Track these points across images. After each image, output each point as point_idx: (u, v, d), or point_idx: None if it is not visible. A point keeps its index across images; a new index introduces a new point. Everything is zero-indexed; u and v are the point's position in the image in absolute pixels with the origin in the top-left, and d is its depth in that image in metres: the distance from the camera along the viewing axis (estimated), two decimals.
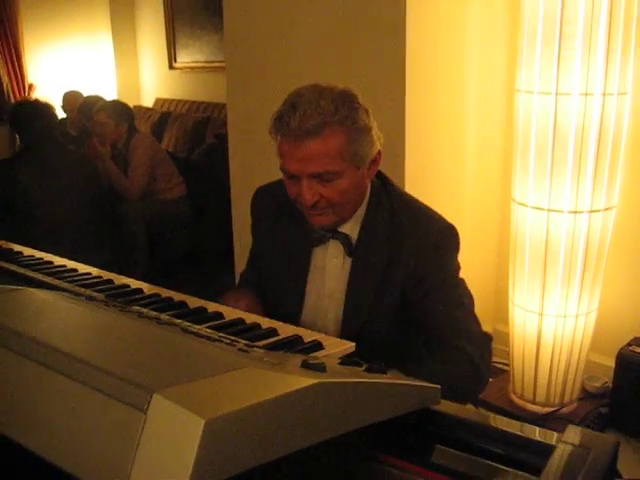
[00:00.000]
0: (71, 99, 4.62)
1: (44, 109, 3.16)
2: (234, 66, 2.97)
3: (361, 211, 1.41)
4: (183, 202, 3.96)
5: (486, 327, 1.46)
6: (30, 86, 5.56)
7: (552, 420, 2.47)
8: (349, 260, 1.42)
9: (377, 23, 2.32)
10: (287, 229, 1.49)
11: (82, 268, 1.25)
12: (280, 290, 1.50)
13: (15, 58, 5.46)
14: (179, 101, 5.60)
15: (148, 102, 5.99)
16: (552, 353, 2.44)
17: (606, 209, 2.28)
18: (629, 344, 2.42)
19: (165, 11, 5.60)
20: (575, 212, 2.25)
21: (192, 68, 5.52)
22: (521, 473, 0.71)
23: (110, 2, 5.79)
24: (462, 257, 1.45)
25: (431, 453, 0.78)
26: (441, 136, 2.53)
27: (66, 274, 1.11)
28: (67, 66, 5.58)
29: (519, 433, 0.77)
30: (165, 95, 5.83)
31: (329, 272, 1.45)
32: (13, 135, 5.09)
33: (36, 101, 3.42)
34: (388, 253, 1.38)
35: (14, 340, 0.60)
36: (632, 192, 2.42)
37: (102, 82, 5.75)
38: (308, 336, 0.84)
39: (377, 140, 1.34)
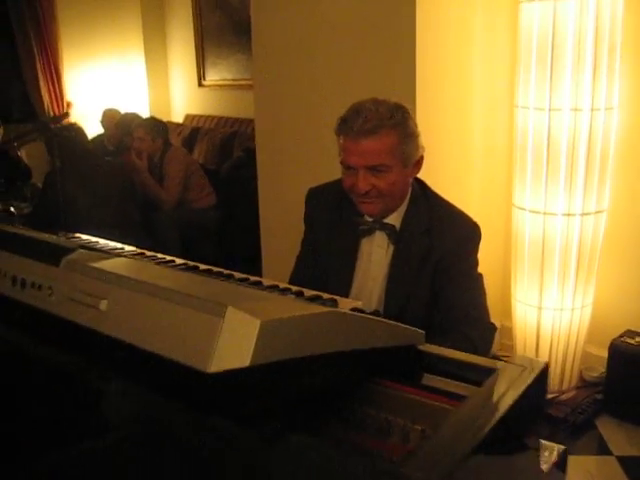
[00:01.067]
0: (109, 116, 4.97)
1: (73, 135, 3.53)
2: (261, 83, 3.27)
3: (403, 207, 1.69)
4: (213, 211, 4.28)
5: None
6: (68, 104, 5.93)
7: (551, 406, 2.71)
8: (392, 248, 1.69)
9: (390, 46, 2.60)
10: (339, 223, 1.75)
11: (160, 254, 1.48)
12: (331, 275, 1.76)
13: (55, 77, 5.85)
14: (208, 117, 5.93)
15: (178, 118, 6.34)
16: (550, 343, 2.69)
17: (597, 212, 2.53)
18: (621, 335, 2.65)
19: (195, 33, 5.95)
20: (568, 215, 2.51)
21: (220, 86, 5.85)
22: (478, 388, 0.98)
23: (143, 25, 6.17)
24: None
25: (420, 379, 1.05)
26: (450, 146, 2.79)
27: (147, 256, 1.37)
28: (103, 85, 5.95)
29: (485, 364, 1.04)
30: (195, 111, 6.18)
31: (374, 259, 1.72)
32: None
33: (66, 128, 3.80)
34: (426, 244, 1.65)
35: (124, 280, 0.88)
36: (622, 196, 2.67)
37: (135, 99, 6.11)
38: (326, 296, 1.10)
39: (421, 147, 1.64)
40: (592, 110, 2.40)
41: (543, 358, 2.73)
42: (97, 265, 0.95)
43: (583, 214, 2.51)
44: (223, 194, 4.35)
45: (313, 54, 2.92)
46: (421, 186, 1.75)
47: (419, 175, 1.72)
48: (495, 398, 0.91)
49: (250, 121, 5.45)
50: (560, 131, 2.44)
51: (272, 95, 3.23)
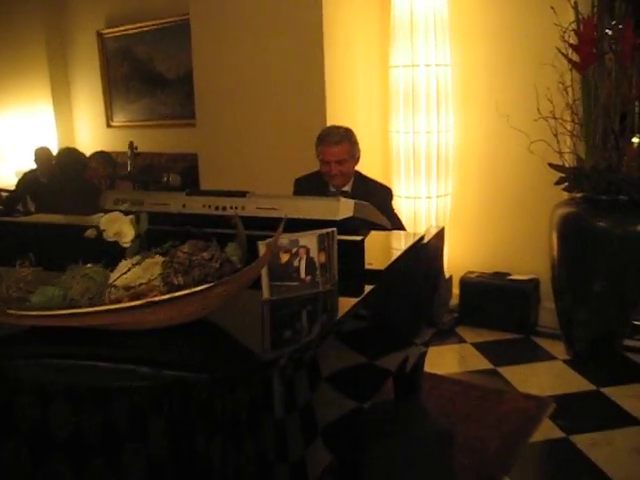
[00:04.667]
0: (41, 153, 5.85)
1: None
2: (203, 120, 4.50)
3: (351, 182, 3.05)
4: None
5: None
6: None
7: None
8: None
9: (304, 91, 3.96)
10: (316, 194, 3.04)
11: None
12: None
13: None
14: (119, 152, 6.93)
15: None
16: None
17: (445, 195, 4.05)
18: (465, 274, 4.18)
19: (102, 82, 6.96)
20: (428, 197, 4.00)
21: (128, 126, 6.90)
22: None
23: (50, 79, 7.08)
24: None
25: None
26: None
27: None
28: (12, 135, 6.79)
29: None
30: (105, 149, 7.13)
31: None
32: None
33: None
34: (365, 199, 2.98)
35: None
36: (459, 184, 4.20)
37: (44, 143, 6.96)
38: None
39: (359, 150, 3.03)
40: (438, 132, 3.92)
41: None
42: None
43: (437, 196, 4.02)
44: None
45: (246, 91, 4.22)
46: (358, 171, 3.13)
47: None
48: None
49: (161, 154, 6.62)
50: (419, 145, 3.93)
51: (213, 129, 4.47)
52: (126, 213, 2.36)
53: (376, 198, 2.94)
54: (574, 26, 3.22)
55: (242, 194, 2.21)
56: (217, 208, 2.19)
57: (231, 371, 1.14)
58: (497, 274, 4.14)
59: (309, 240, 1.45)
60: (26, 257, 1.30)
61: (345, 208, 2.02)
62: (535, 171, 3.72)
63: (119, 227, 1.33)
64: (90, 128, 7.35)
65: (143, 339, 1.23)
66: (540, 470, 2.60)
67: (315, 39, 3.90)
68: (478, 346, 3.84)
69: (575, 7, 3.22)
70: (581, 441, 2.72)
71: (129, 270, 1.22)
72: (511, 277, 4.08)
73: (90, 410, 1.14)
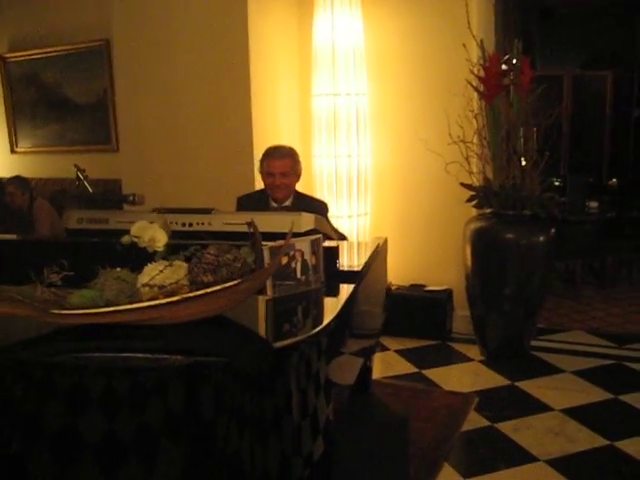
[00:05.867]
0: None
1: None
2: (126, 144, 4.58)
3: (291, 197, 3.27)
4: None
5: None
6: None
7: None
8: None
9: (231, 117, 4.16)
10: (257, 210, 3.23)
11: None
12: None
13: None
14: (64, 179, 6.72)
15: None
16: None
17: (365, 214, 4.36)
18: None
19: (5, 108, 6.82)
20: (350, 216, 4.29)
21: (34, 152, 6.78)
22: None
23: None
24: None
25: None
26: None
27: None
28: None
29: None
30: (8, 174, 6.95)
31: None
32: None
33: None
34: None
35: None
36: (378, 203, 4.53)
37: None
38: None
39: (301, 167, 3.26)
40: (359, 156, 4.24)
41: None
42: None
43: (358, 215, 4.32)
44: None
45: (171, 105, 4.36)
46: (295, 189, 3.37)
47: None
48: None
49: (64, 179, 6.51)
50: (341, 168, 4.23)
51: (137, 154, 4.57)
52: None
53: (315, 212, 3.18)
54: (481, 61, 3.65)
55: (208, 211, 2.39)
56: (184, 224, 2.34)
57: (267, 352, 1.34)
58: (414, 286, 4.49)
59: (304, 244, 1.66)
60: (57, 263, 1.42)
61: (307, 221, 2.24)
62: (448, 190, 4.12)
63: (153, 233, 1.48)
64: None
65: (171, 331, 1.40)
66: (474, 454, 2.89)
67: (242, 65, 4.09)
68: (401, 353, 4.14)
69: (481, 45, 3.65)
70: (505, 427, 3.06)
71: (162, 271, 1.38)
72: (427, 288, 4.44)
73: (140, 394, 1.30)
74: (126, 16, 4.46)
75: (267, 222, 2.24)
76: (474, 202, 3.93)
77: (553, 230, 3.78)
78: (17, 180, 5.09)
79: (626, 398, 3.33)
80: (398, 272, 4.57)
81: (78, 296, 1.39)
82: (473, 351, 4.07)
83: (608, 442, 2.89)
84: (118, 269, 1.43)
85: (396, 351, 4.18)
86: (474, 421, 3.15)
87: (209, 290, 1.35)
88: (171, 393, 1.28)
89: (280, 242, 1.55)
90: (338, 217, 4.29)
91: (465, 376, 3.78)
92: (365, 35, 4.23)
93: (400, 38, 4.28)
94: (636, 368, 3.75)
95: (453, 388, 3.55)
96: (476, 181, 3.89)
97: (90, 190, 2.73)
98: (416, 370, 3.86)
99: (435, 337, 4.33)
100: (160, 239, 1.48)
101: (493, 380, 3.65)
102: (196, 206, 3.40)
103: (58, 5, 6.09)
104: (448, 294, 4.39)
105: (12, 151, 6.98)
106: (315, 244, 1.70)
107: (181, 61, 4.34)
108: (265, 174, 3.22)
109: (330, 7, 4.10)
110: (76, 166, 3.05)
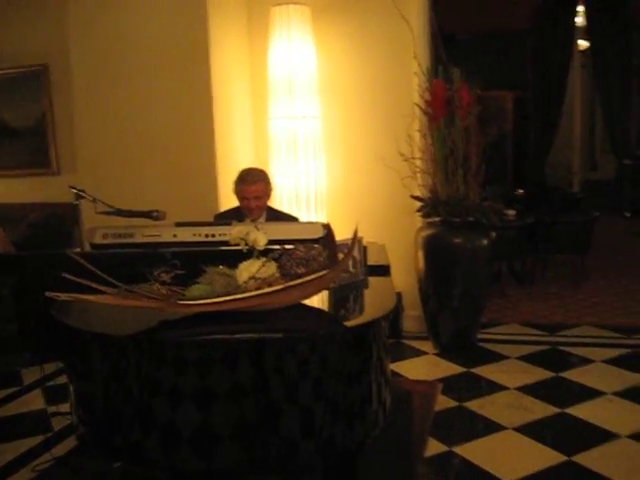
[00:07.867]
0: None
1: None
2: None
3: (264, 214, 3.56)
4: None
5: None
6: None
7: None
8: None
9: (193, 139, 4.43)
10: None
11: None
12: None
13: None
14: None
15: None
16: None
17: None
18: None
19: None
20: None
21: None
22: None
23: None
24: None
25: None
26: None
27: None
28: None
29: None
30: None
31: None
32: None
33: None
34: None
35: None
36: (333, 217, 4.91)
37: None
38: None
39: (271, 188, 3.56)
40: (316, 175, 4.62)
41: None
42: None
43: None
44: None
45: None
46: (268, 205, 3.69)
47: None
48: None
49: (12, 205, 6.52)
50: (300, 186, 4.59)
51: (96, 177, 4.72)
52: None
53: None
54: (428, 86, 4.15)
55: (228, 223, 2.69)
56: (207, 235, 2.63)
57: (355, 327, 1.70)
58: None
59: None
60: (168, 262, 1.71)
61: (320, 229, 2.60)
62: (396, 202, 4.58)
63: (255, 236, 1.78)
64: None
65: (272, 315, 1.72)
66: (452, 428, 3.31)
67: (204, 88, 4.36)
68: None
69: (428, 72, 4.15)
70: (472, 405, 3.52)
71: (262, 266, 1.69)
72: None
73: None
74: (82, 38, 4.58)
75: (280, 231, 2.59)
76: (422, 212, 4.40)
77: (494, 234, 4.32)
78: None
79: (566, 374, 3.89)
80: None
81: (193, 290, 1.68)
82: (427, 346, 4.53)
83: (559, 410, 3.40)
84: (220, 267, 1.73)
85: None
86: (444, 403, 3.58)
87: (306, 279, 1.68)
88: (290, 358, 1.62)
89: (348, 238, 1.90)
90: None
91: (425, 367, 4.22)
92: (318, 62, 4.63)
93: (350, 64, 4.72)
94: (569, 350, 4.34)
95: (418, 377, 3.98)
96: (424, 193, 4.37)
97: (112, 207, 2.92)
98: None
99: (389, 336, 4.74)
100: (261, 240, 1.78)
101: (450, 369, 4.11)
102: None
103: None
104: (399, 297, 4.83)
105: None
106: (359, 243, 2.06)
107: (140, 83, 4.50)
108: (240, 198, 3.52)
109: (287, 38, 4.47)
110: (74, 187, 3.20)
